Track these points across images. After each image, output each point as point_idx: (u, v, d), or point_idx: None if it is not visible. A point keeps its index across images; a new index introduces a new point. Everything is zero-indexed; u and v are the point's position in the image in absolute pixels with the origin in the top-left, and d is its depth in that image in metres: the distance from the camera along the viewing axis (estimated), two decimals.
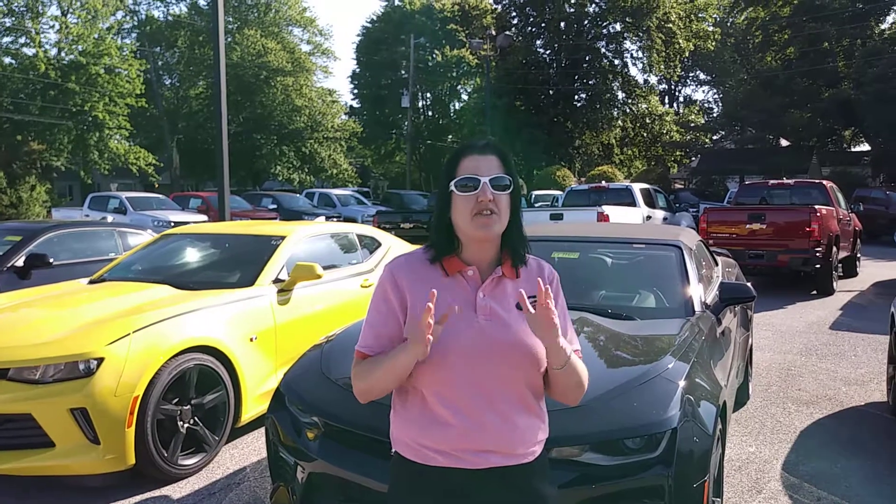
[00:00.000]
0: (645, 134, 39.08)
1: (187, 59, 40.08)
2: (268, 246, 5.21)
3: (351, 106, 47.61)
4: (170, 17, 41.43)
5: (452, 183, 1.64)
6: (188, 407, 4.00)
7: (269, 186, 39.54)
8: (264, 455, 4.11)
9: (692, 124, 41.43)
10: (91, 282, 5.28)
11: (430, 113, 47.91)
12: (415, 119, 43.49)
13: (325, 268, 5.11)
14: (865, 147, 35.30)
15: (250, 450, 4.40)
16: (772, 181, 13.85)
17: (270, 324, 4.67)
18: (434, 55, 43.62)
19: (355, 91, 47.73)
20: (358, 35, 46.63)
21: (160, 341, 3.87)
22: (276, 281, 4.92)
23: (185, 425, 3.97)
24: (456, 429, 1.59)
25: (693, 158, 42.24)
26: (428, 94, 47.36)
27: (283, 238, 5.29)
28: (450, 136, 43.53)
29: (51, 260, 6.46)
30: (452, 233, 1.68)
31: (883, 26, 34.87)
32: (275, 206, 21.84)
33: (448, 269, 1.68)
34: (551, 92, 37.51)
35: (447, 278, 1.67)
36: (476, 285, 1.67)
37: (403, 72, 42.78)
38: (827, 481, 3.95)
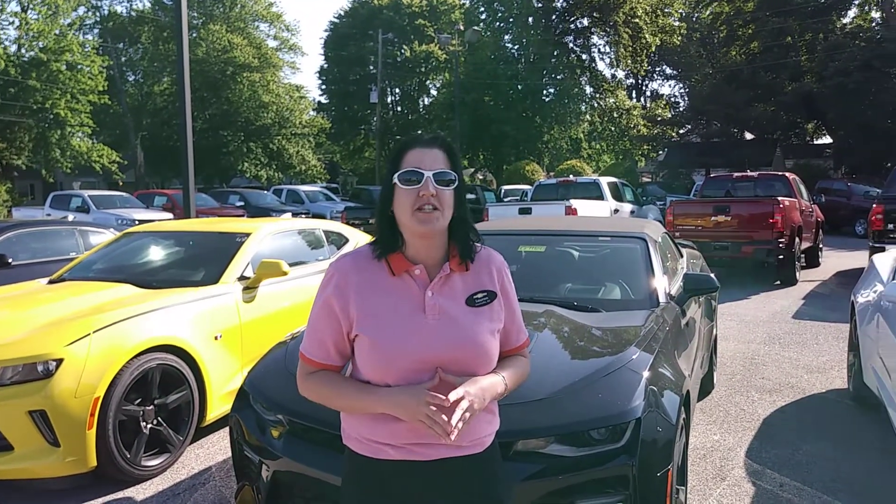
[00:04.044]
0: (613, 128, 39.36)
1: (151, 55, 39.43)
2: (232, 243, 5.15)
3: (319, 102, 47.30)
4: (133, 13, 40.72)
5: (395, 176, 1.59)
6: (151, 407, 3.94)
7: (236, 183, 39.09)
8: (230, 454, 4.06)
9: (659, 118, 41.78)
10: (51, 282, 5.18)
11: (399, 108, 47.77)
12: (384, 114, 43.32)
13: (291, 264, 5.07)
14: (828, 140, 35.97)
15: (216, 449, 4.35)
16: (736, 174, 14.06)
17: (235, 322, 4.61)
18: (402, 50, 43.49)
19: (323, 87, 47.44)
20: (325, 30, 46.50)
21: (121, 341, 3.80)
22: (242, 278, 4.87)
23: (148, 426, 3.91)
24: (405, 424, 1.57)
25: (660, 152, 42.65)
26: (397, 90, 47.22)
27: (248, 235, 5.23)
28: (419, 132, 43.37)
29: (9, 260, 6.33)
30: (395, 228, 1.63)
31: (844, 21, 35.54)
32: (242, 204, 21.60)
33: (394, 268, 1.63)
34: (520, 87, 37.61)
35: (394, 278, 1.63)
36: (424, 284, 1.63)
37: (372, 67, 42.58)
38: (789, 467, 4.02)
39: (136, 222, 15.44)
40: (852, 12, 36.47)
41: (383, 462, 1.62)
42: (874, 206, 10.46)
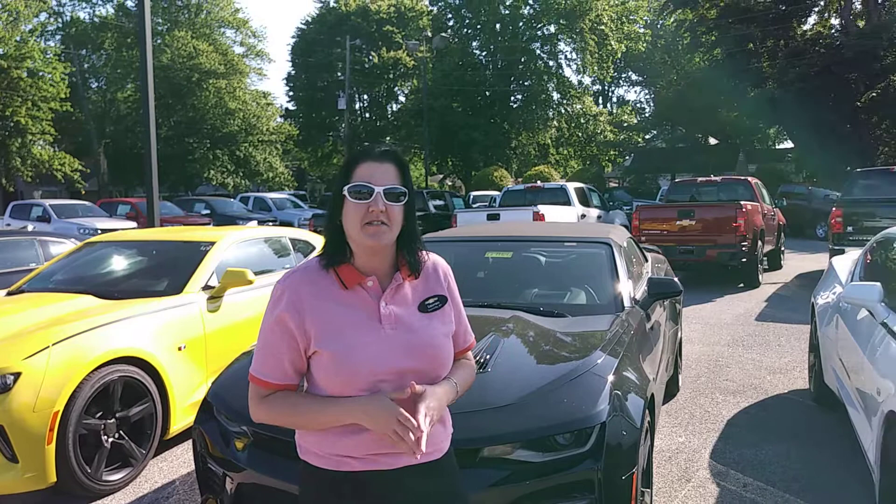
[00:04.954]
0: (580, 134, 39.76)
1: (115, 62, 38.79)
2: (197, 252, 5.08)
3: (286, 108, 46.97)
4: (96, 19, 40.05)
5: (346, 188, 1.58)
6: (113, 420, 3.87)
7: (202, 191, 38.63)
8: (194, 467, 4.00)
9: (625, 124, 42.37)
10: (9, 293, 5.06)
11: (367, 115, 47.65)
12: (352, 121, 43.18)
13: (257, 273, 5.02)
14: (789, 144, 36.70)
15: (180, 462, 4.28)
16: (700, 179, 14.28)
17: (200, 332, 4.55)
18: (370, 57, 43.42)
19: (291, 93, 47.12)
20: (293, 37, 46.19)
21: (81, 353, 3.73)
22: (206, 288, 4.81)
23: (110, 439, 3.84)
24: (370, 435, 1.57)
25: (627, 157, 43.24)
26: (365, 96, 47.12)
27: (212, 244, 5.17)
28: (388, 138, 43.31)
29: None
30: (344, 239, 1.63)
31: (805, 27, 36.34)
32: (208, 212, 21.34)
33: (346, 281, 1.62)
34: (488, 93, 37.80)
35: (347, 291, 1.62)
36: (377, 295, 1.63)
37: (339, 73, 42.46)
38: (753, 467, 4.08)
39: (99, 231, 15.17)
40: (812, 19, 37.28)
41: (345, 473, 1.61)
42: (833, 209, 10.70)
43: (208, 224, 18.45)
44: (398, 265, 1.68)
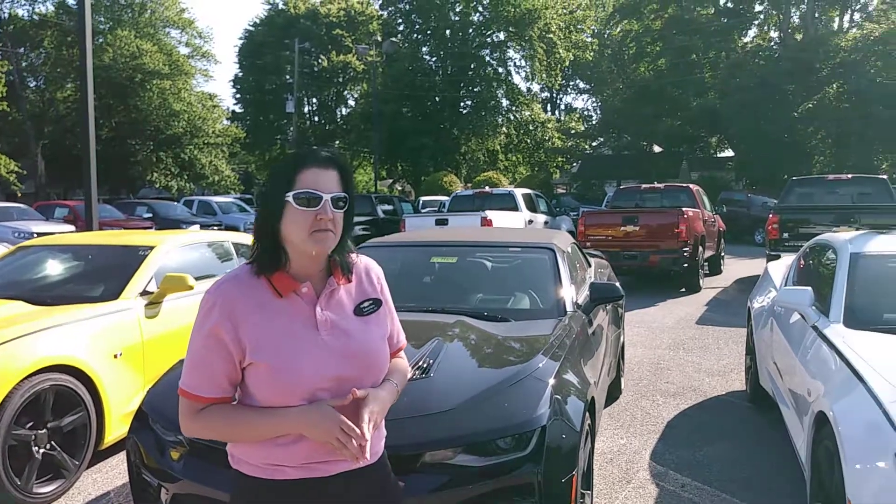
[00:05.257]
0: (528, 140, 40.21)
1: (54, 61, 37.56)
2: (135, 257, 4.95)
3: (233, 111, 46.27)
4: (35, 16, 38.73)
5: (290, 195, 1.54)
6: (44, 431, 3.73)
7: (144, 194, 37.69)
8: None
9: (573, 131, 43.00)
10: None
11: (316, 118, 47.28)
12: (300, 125, 42.77)
13: (198, 278, 4.91)
14: (730, 153, 37.78)
15: (115, 473, 4.16)
16: (644, 186, 14.58)
17: (137, 339, 4.44)
18: (320, 60, 43.10)
19: (238, 95, 46.44)
20: (240, 38, 45.52)
21: (10, 362, 3.59)
22: (145, 293, 4.69)
23: (41, 451, 3.71)
24: (306, 444, 1.55)
25: (574, 164, 43.87)
26: (314, 100, 46.74)
27: (151, 248, 5.04)
28: (337, 142, 43.09)
29: None
30: (279, 245, 1.59)
31: (745, 39, 37.53)
32: (150, 216, 20.82)
33: (280, 289, 1.59)
34: (437, 99, 37.94)
35: (281, 299, 1.59)
36: (312, 301, 1.61)
37: (288, 76, 41.96)
38: (691, 468, 4.18)
39: (34, 235, 14.65)
40: (752, 32, 38.60)
41: (281, 482, 1.58)
42: (770, 216, 11.05)
43: (150, 228, 18.01)
44: (330, 269, 1.66)
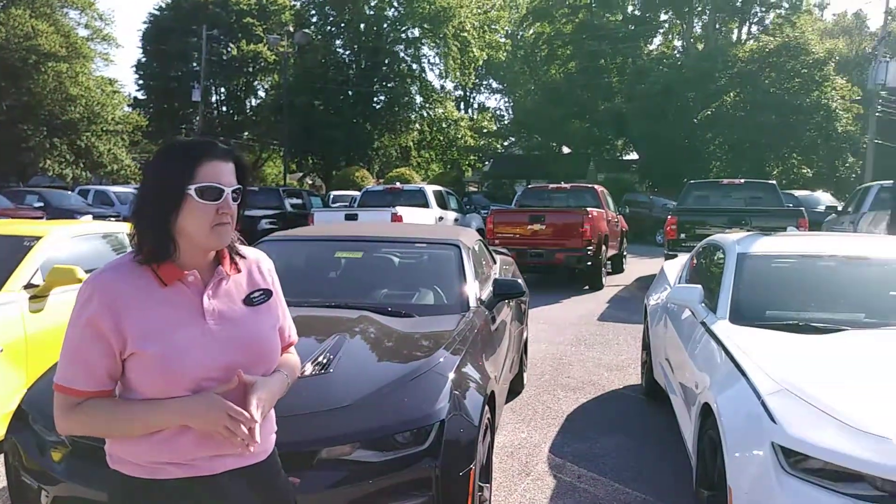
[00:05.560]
0: (441, 138, 40.44)
1: None
2: (19, 247, 4.67)
3: (135, 97, 44.30)
4: None
5: (192, 188, 1.50)
6: None
7: (36, 182, 35.56)
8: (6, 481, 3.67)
9: (485, 130, 43.56)
10: None
11: (224, 108, 45.87)
12: (207, 114, 41.40)
13: (88, 271, 4.67)
14: (634, 156, 39.19)
15: None
16: (552, 185, 14.92)
17: (20, 334, 4.19)
18: (229, 49, 41.81)
19: (141, 82, 44.45)
20: (144, 22, 43.62)
21: None
22: (29, 286, 4.43)
23: None
24: (191, 438, 1.51)
25: (486, 163, 44.43)
26: (222, 89, 45.28)
27: (38, 239, 4.77)
28: (245, 133, 42.01)
29: None
30: (171, 236, 1.54)
31: (651, 47, 38.98)
32: (41, 205, 19.62)
33: (165, 278, 1.54)
34: (351, 93, 37.59)
35: (166, 288, 1.55)
36: (199, 290, 1.57)
37: (195, 64, 40.56)
38: (587, 459, 4.31)
39: None
40: (657, 40, 40.13)
41: (164, 482, 1.53)
42: (669, 217, 11.53)
43: (41, 218, 17.01)
44: (219, 259, 1.63)
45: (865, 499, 2.31)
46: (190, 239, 1.54)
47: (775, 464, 2.49)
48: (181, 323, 1.53)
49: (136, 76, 44.69)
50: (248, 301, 1.64)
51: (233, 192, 1.55)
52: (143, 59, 43.79)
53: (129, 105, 41.45)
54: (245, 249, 1.72)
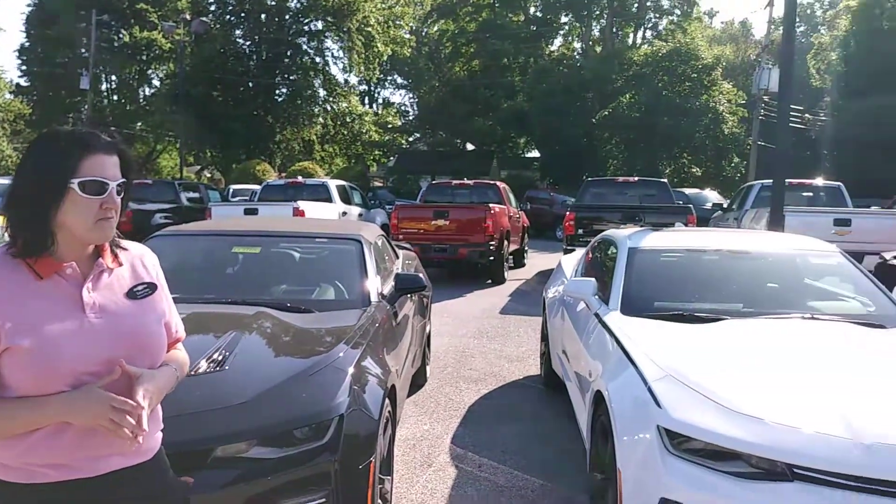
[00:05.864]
0: (345, 132, 40.03)
1: None
2: None
3: (18, 84, 41.59)
4: None
5: (76, 182, 1.45)
6: None
7: None
8: None
9: (390, 125, 43.44)
10: None
11: (115, 97, 43.71)
12: (97, 103, 39.33)
13: None
14: (536, 154, 40.14)
15: None
16: (455, 181, 15.08)
17: None
18: (121, 35, 39.88)
19: (24, 68, 41.76)
20: (28, 5, 40.94)
21: None
22: None
23: None
24: (70, 437, 1.45)
25: (391, 158, 44.37)
26: (113, 77, 43.13)
27: None
28: (139, 124, 40.17)
29: None
30: (49, 229, 1.48)
31: (552, 48, 40.01)
32: None
33: (41, 271, 1.48)
34: (251, 84, 36.66)
35: (41, 281, 1.48)
36: (78, 282, 1.52)
37: (84, 50, 38.45)
38: (488, 448, 4.40)
39: None
40: (558, 41, 41.26)
41: (41, 486, 1.45)
42: (567, 213, 11.88)
43: None
44: (98, 252, 1.58)
45: (742, 476, 2.47)
46: (70, 233, 1.49)
47: (660, 446, 2.62)
48: (57, 316, 1.47)
49: (20, 62, 41.90)
50: (132, 294, 1.59)
51: (117, 185, 1.50)
52: (27, 44, 41.12)
53: (10, 92, 38.97)
54: (127, 243, 1.67)
